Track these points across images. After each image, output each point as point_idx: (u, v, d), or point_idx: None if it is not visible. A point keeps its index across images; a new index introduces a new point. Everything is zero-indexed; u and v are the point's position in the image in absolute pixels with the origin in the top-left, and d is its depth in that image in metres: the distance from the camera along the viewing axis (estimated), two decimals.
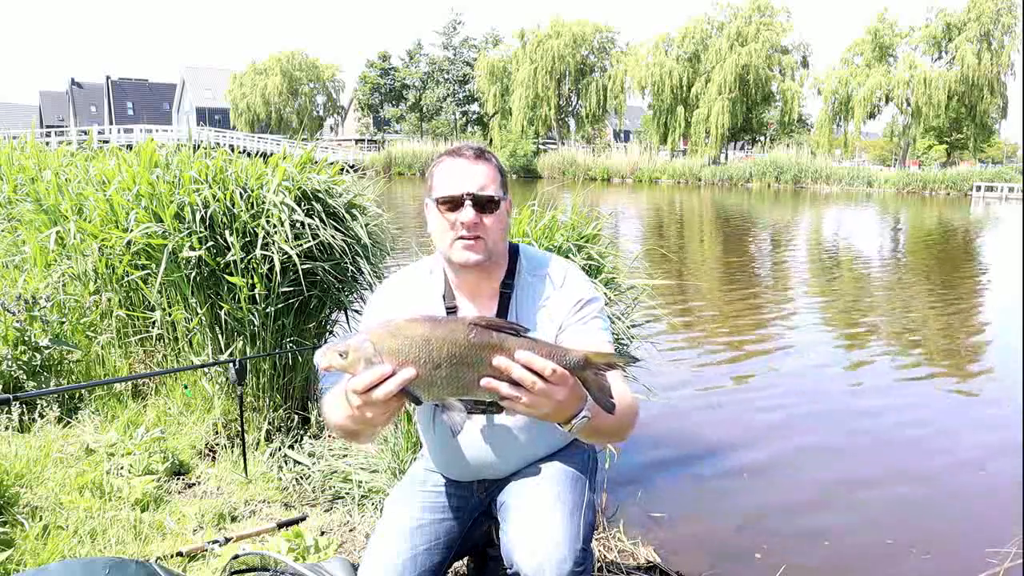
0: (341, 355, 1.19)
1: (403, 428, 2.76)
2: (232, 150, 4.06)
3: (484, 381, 1.18)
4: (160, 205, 3.20)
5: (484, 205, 1.56)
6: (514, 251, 1.71)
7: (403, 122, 61.38)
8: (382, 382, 1.18)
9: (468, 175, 1.56)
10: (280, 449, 3.16)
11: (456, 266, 1.61)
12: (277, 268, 3.06)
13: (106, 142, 7.95)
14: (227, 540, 2.38)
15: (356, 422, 1.31)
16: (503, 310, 1.65)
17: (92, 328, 3.75)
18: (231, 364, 2.89)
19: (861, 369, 6.03)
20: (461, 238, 1.55)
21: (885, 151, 50.01)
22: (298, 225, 3.13)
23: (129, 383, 3.60)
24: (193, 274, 3.19)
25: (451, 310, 1.67)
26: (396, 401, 1.22)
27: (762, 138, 50.82)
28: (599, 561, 2.59)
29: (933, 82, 38.92)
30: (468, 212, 1.54)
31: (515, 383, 1.18)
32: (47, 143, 9.63)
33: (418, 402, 1.24)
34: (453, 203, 1.55)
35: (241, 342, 3.29)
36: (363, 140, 59.43)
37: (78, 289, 3.82)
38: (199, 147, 3.77)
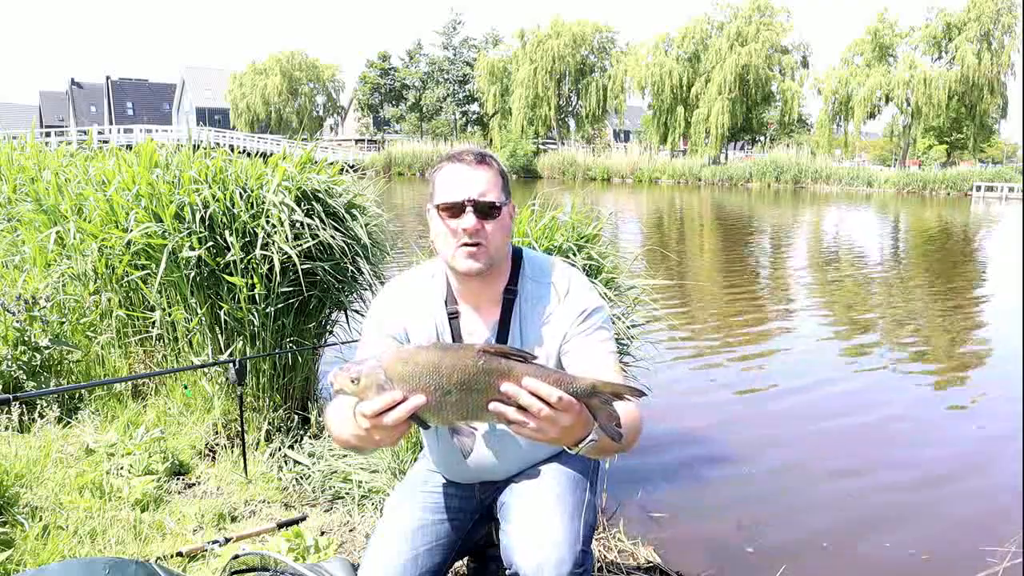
0: (353, 381, 1.22)
1: None
2: (232, 150, 4.06)
3: (492, 406, 1.21)
4: (160, 205, 3.20)
5: (486, 211, 1.54)
6: (516, 255, 1.70)
7: (403, 122, 61.37)
8: (392, 407, 1.20)
9: (469, 181, 1.54)
10: (280, 449, 3.16)
11: (459, 274, 1.61)
12: (277, 268, 3.06)
13: (106, 142, 7.95)
14: (227, 540, 2.38)
15: (363, 441, 1.33)
16: (506, 316, 1.64)
17: (92, 328, 3.75)
18: (231, 364, 2.89)
19: (861, 369, 6.03)
20: (463, 245, 1.54)
21: (885, 151, 50.02)
22: (298, 225, 3.13)
23: (129, 383, 3.60)
24: (193, 274, 3.19)
25: (453, 315, 1.66)
26: (404, 425, 1.24)
27: (762, 138, 50.81)
28: (599, 561, 2.59)
29: (933, 82, 38.91)
30: (469, 219, 1.53)
31: (523, 409, 1.20)
32: (47, 143, 9.61)
33: (426, 426, 1.28)
34: (454, 209, 1.54)
35: (241, 342, 3.29)
36: (363, 140, 59.41)
37: (78, 289, 3.82)
38: (199, 147, 3.77)
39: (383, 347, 1.59)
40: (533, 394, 1.19)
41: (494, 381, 1.20)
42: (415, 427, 1.32)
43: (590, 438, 1.30)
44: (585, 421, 1.27)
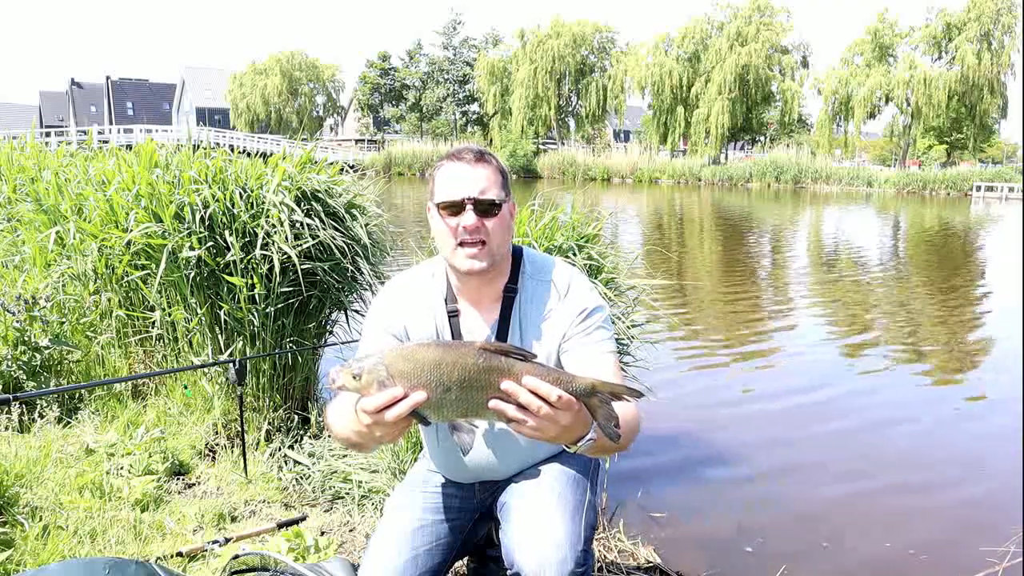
0: (355, 377, 1.23)
1: None
2: (232, 150, 4.06)
3: (492, 403, 1.22)
4: (160, 205, 3.20)
5: (486, 209, 1.55)
6: (517, 254, 1.70)
7: (403, 122, 61.38)
8: (393, 404, 1.21)
9: (469, 179, 1.55)
10: (280, 449, 3.16)
11: (460, 272, 1.60)
12: (277, 268, 3.06)
13: (106, 142, 7.95)
14: (227, 540, 2.38)
15: (363, 438, 1.34)
16: (506, 314, 1.64)
17: (92, 328, 3.75)
18: (231, 364, 2.89)
19: (861, 370, 6.03)
20: (464, 244, 1.55)
21: (885, 151, 50.01)
22: (298, 225, 3.13)
23: (129, 383, 3.60)
24: (193, 274, 3.19)
25: (452, 314, 1.66)
26: (405, 422, 1.25)
27: (762, 138, 50.83)
28: (599, 561, 2.59)
29: (933, 82, 38.93)
30: (470, 217, 1.53)
31: (522, 407, 1.21)
32: (47, 143, 9.61)
33: (426, 423, 1.28)
34: (454, 208, 1.54)
35: (241, 342, 3.29)
36: (363, 140, 59.43)
37: (78, 289, 3.82)
38: (199, 147, 3.77)
39: (384, 345, 1.60)
40: (533, 392, 1.20)
41: (494, 379, 1.21)
42: (415, 426, 1.33)
43: (588, 437, 1.31)
44: (584, 420, 1.28)
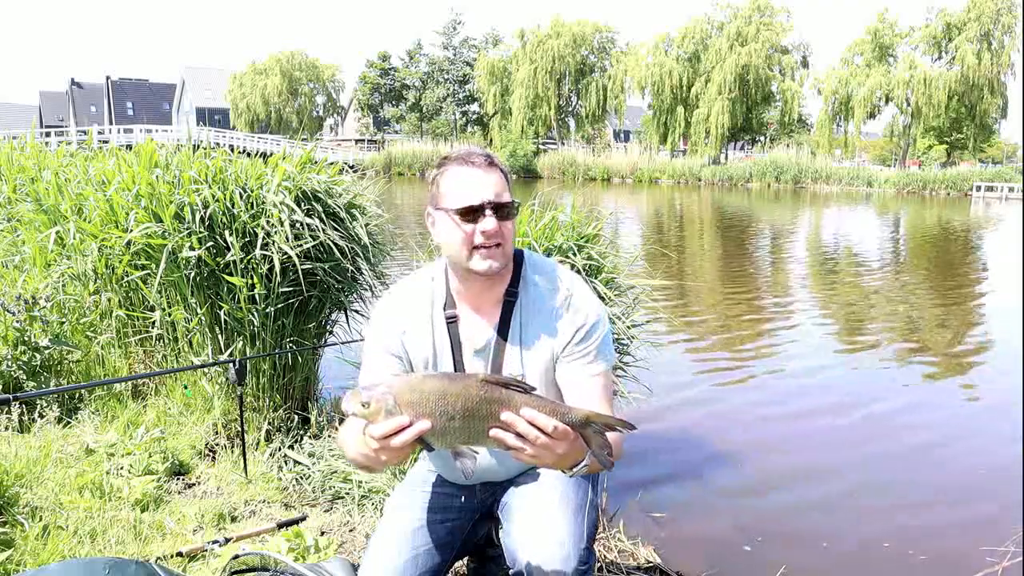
0: (364, 405, 1.29)
1: None
2: (232, 150, 4.07)
3: (492, 432, 1.28)
4: (160, 205, 3.20)
5: (503, 213, 1.55)
6: (518, 258, 1.69)
7: (403, 122, 61.38)
8: (399, 431, 1.26)
9: (485, 183, 1.54)
10: (280, 449, 3.16)
11: (474, 275, 1.58)
12: (277, 268, 3.06)
13: (106, 142, 7.95)
14: (227, 540, 2.39)
15: (371, 461, 1.39)
16: (506, 319, 1.64)
17: (92, 328, 3.75)
18: (231, 364, 2.89)
19: (860, 369, 6.03)
20: (479, 247, 1.54)
21: (885, 151, 50.00)
22: (298, 225, 3.13)
23: (129, 383, 3.60)
24: (193, 274, 3.20)
25: (451, 320, 1.66)
26: (410, 447, 1.30)
27: (762, 138, 50.84)
28: (599, 561, 2.59)
29: (933, 82, 38.93)
30: (490, 221, 1.52)
31: (521, 436, 1.26)
32: (47, 143, 9.62)
33: (430, 449, 1.35)
34: (473, 213, 1.53)
35: (241, 342, 3.29)
36: (363, 140, 59.41)
37: (78, 289, 3.82)
38: (199, 147, 3.77)
39: (386, 367, 1.64)
40: (531, 423, 1.25)
41: (495, 409, 1.27)
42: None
43: (583, 463, 1.34)
44: (579, 448, 1.32)
